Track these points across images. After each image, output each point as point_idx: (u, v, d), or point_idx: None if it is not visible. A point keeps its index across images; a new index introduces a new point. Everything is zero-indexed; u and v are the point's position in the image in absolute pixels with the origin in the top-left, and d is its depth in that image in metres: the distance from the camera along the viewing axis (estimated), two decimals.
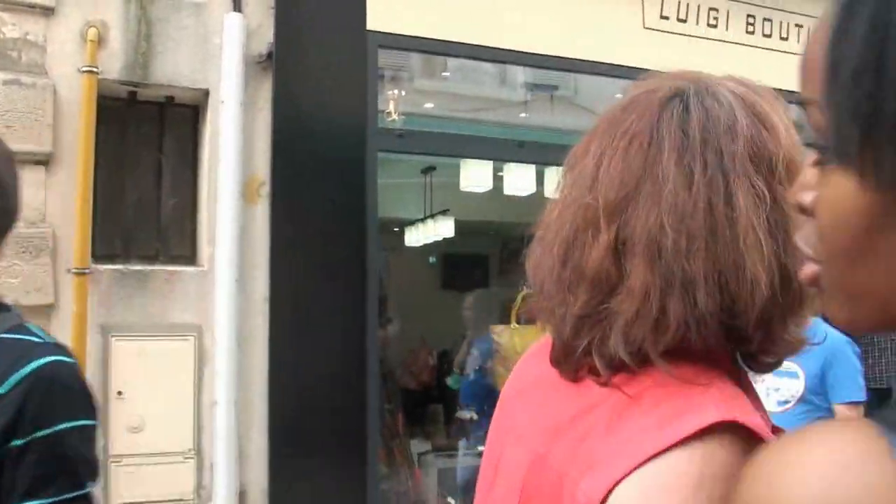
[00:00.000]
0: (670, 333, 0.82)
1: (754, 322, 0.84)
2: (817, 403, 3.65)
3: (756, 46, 5.58)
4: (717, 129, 0.87)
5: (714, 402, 0.80)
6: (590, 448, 0.82)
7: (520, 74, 5.39)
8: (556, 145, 5.16)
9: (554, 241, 0.93)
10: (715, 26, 5.38)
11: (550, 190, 5.88)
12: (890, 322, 0.55)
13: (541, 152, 5.11)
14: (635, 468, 0.76)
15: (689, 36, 5.24)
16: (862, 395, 3.68)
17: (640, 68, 4.23)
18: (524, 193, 5.75)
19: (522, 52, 4.61)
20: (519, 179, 5.64)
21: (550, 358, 0.95)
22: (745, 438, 0.77)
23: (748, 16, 5.56)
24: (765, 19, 5.62)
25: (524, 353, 1.08)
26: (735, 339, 0.86)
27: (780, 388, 3.68)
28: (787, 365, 2.71)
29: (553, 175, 5.75)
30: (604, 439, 0.81)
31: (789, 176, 0.85)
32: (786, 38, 5.78)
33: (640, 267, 0.84)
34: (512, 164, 5.51)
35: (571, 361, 0.90)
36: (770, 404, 3.21)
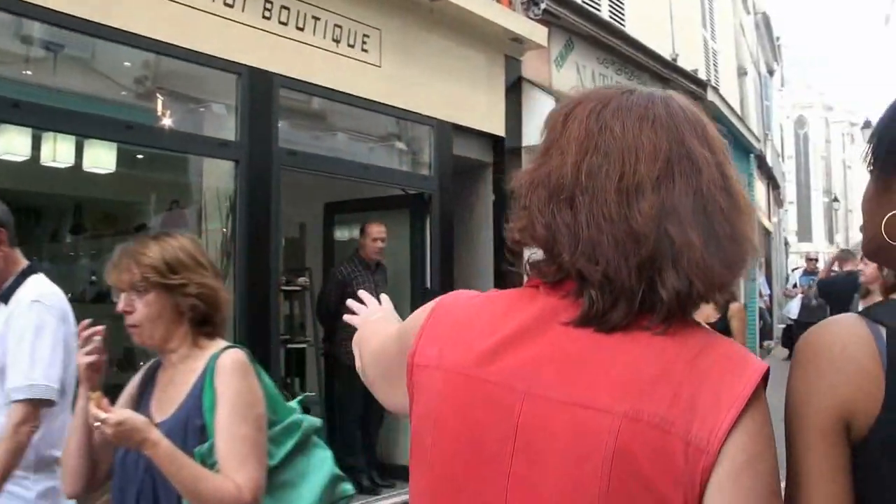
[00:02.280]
0: (717, 279, 1.13)
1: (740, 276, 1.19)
2: None
3: (271, 32, 6.02)
4: (704, 126, 1.22)
5: (746, 350, 1.17)
6: (687, 399, 1.06)
7: (31, 28, 5.17)
8: (58, 109, 5.09)
9: (595, 199, 1.15)
10: (231, 6, 5.68)
11: (48, 156, 5.79)
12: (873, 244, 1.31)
13: (40, 115, 4.99)
14: (734, 419, 1.05)
15: (204, 12, 5.50)
16: None
17: (151, 38, 4.74)
18: (19, 158, 5.64)
19: (27, 3, 4.52)
20: (12, 143, 5.50)
21: (592, 313, 1.14)
22: None
23: (266, 0, 5.95)
24: (282, 7, 6.09)
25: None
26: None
27: None
28: None
29: (51, 140, 5.74)
30: (699, 388, 1.07)
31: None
32: (302, 29, 6.30)
33: (688, 226, 1.11)
34: (5, 126, 5.36)
35: (631, 302, 1.12)
36: None
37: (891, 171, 1.27)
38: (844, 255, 10.44)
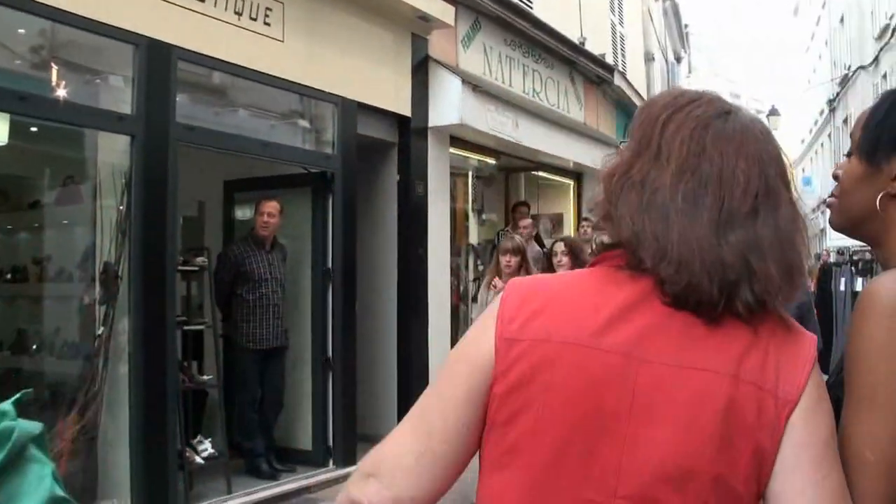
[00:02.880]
0: (785, 293, 1.33)
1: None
2: None
3: (170, 2, 6.03)
4: (780, 158, 1.40)
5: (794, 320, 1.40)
6: (773, 364, 1.31)
7: None
8: None
9: (690, 224, 1.32)
10: None
11: None
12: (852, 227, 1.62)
13: None
14: (808, 376, 1.31)
15: None
16: None
17: (47, 5, 4.70)
18: None
19: None
20: None
21: (688, 300, 1.32)
22: None
23: None
24: None
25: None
26: None
27: None
28: None
29: None
30: (780, 355, 1.32)
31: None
32: (203, 0, 6.31)
33: (769, 259, 1.31)
34: None
35: (713, 308, 1.31)
36: None
37: (875, 157, 1.54)
38: None
